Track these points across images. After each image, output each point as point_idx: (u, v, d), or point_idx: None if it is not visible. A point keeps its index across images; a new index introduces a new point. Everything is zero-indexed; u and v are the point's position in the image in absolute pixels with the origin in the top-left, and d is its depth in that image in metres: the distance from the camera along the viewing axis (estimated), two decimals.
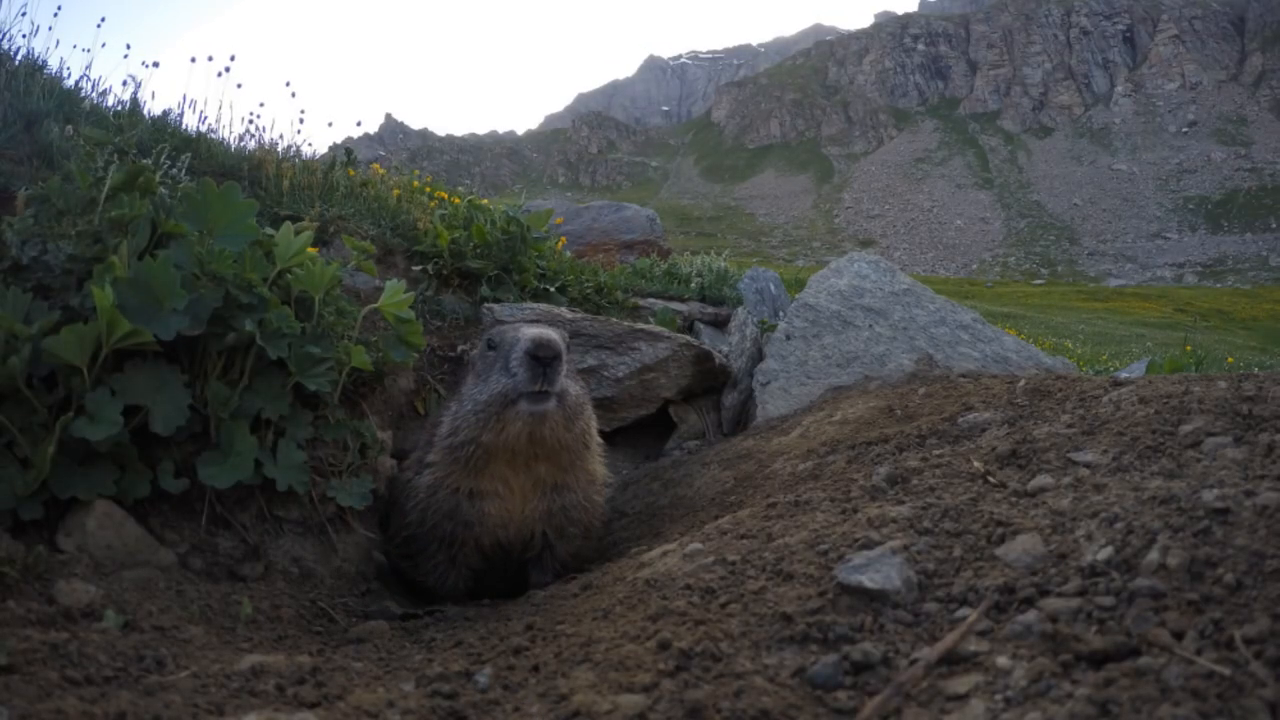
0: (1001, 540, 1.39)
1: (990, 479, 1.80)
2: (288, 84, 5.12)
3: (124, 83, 4.36)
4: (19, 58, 3.84)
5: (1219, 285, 58.36)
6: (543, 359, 2.13)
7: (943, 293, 4.49)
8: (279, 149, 4.35)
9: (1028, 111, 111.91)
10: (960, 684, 1.02)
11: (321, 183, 4.25)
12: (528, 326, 2.30)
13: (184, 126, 4.27)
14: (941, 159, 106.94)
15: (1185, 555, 1.14)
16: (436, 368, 3.57)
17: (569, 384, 2.28)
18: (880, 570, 1.32)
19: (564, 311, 3.65)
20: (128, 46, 4.68)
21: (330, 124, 16.53)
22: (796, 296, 4.34)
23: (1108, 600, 1.11)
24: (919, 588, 1.30)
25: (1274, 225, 77.54)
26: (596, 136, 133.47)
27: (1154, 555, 1.16)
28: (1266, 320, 34.07)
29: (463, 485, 2.33)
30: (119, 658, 1.44)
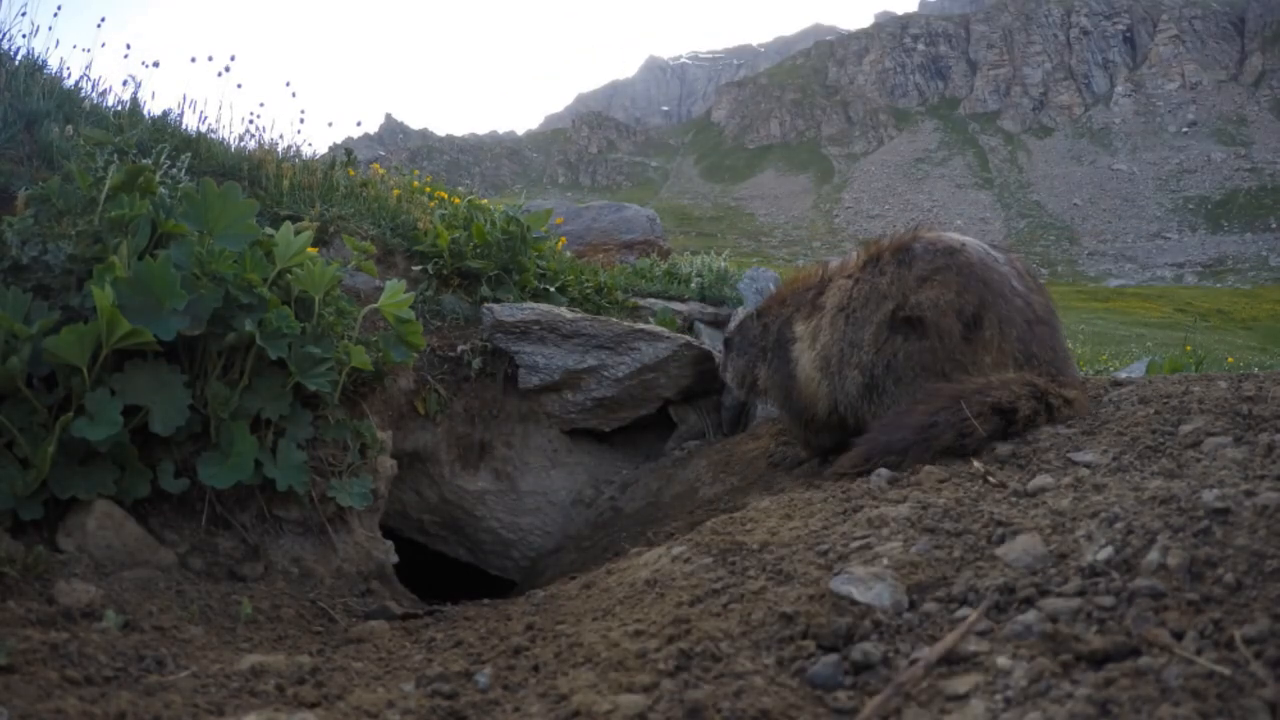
0: (1001, 540, 1.39)
1: (990, 479, 1.80)
2: (288, 84, 5.13)
3: (124, 83, 4.36)
4: (19, 58, 3.84)
5: (1219, 285, 58.31)
6: None
7: None
8: (279, 149, 4.35)
9: (1028, 111, 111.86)
10: (960, 684, 1.02)
11: (321, 183, 4.24)
12: None
13: (184, 126, 4.27)
14: (941, 159, 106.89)
15: (1185, 555, 1.14)
16: (436, 368, 3.57)
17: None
18: (872, 588, 1.30)
19: (564, 312, 3.65)
20: (128, 46, 4.68)
21: (330, 124, 16.56)
22: None
23: (1108, 600, 1.11)
24: (909, 607, 1.29)
25: (1274, 225, 77.51)
26: (596, 136, 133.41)
27: (1154, 555, 1.16)
28: (1266, 320, 34.04)
29: None
30: (119, 658, 1.44)
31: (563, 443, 3.80)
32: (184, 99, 4.42)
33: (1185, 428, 1.76)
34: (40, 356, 1.92)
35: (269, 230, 2.49)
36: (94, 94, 4.14)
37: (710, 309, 4.69)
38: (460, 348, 3.64)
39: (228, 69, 4.59)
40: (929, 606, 1.25)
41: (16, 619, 1.51)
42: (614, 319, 3.78)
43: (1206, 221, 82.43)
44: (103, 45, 4.53)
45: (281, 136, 4.84)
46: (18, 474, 1.88)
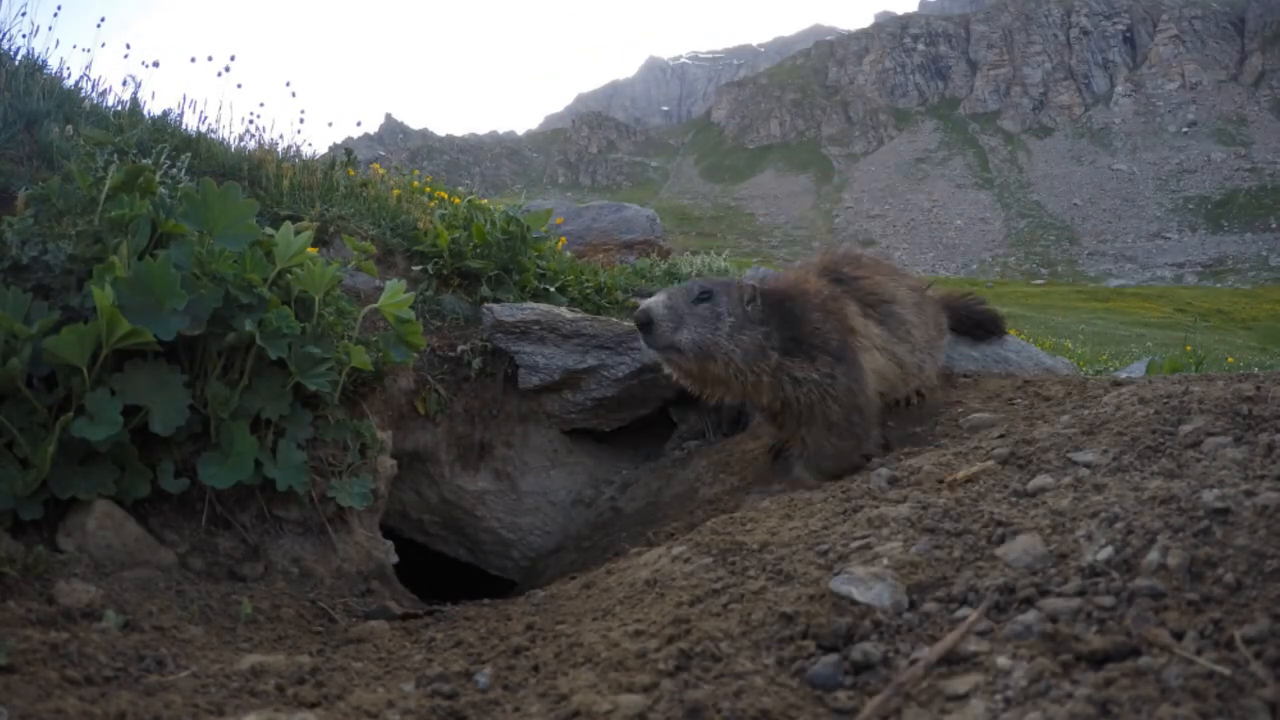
0: (1001, 540, 1.39)
1: (990, 479, 1.79)
2: (288, 84, 5.12)
3: (124, 83, 4.35)
4: (19, 58, 3.83)
5: (1219, 285, 58.30)
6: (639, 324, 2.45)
7: None
8: (279, 149, 4.35)
9: (1028, 111, 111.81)
10: (960, 684, 1.02)
11: (321, 183, 4.24)
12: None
13: (184, 126, 4.26)
14: (941, 159, 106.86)
15: (1185, 555, 1.14)
16: (436, 368, 3.57)
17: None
18: (872, 588, 1.30)
19: (564, 312, 3.65)
20: (128, 46, 4.68)
21: (330, 124, 16.57)
22: None
23: (1108, 600, 1.11)
24: (909, 607, 1.29)
25: (1274, 225, 77.47)
26: (596, 136, 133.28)
27: (1154, 555, 1.16)
28: (1266, 320, 34.03)
29: None
30: (119, 658, 1.44)
31: (563, 443, 3.80)
32: (184, 99, 4.42)
33: (1185, 428, 1.76)
34: (40, 356, 1.92)
35: (269, 230, 2.49)
36: (94, 94, 4.14)
37: None
38: (460, 348, 3.64)
39: (228, 69, 4.59)
40: (929, 606, 1.25)
41: (16, 619, 1.51)
42: (614, 319, 3.77)
43: (1206, 221, 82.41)
44: (103, 45, 4.53)
45: (281, 136, 4.83)
46: (18, 474, 1.88)
